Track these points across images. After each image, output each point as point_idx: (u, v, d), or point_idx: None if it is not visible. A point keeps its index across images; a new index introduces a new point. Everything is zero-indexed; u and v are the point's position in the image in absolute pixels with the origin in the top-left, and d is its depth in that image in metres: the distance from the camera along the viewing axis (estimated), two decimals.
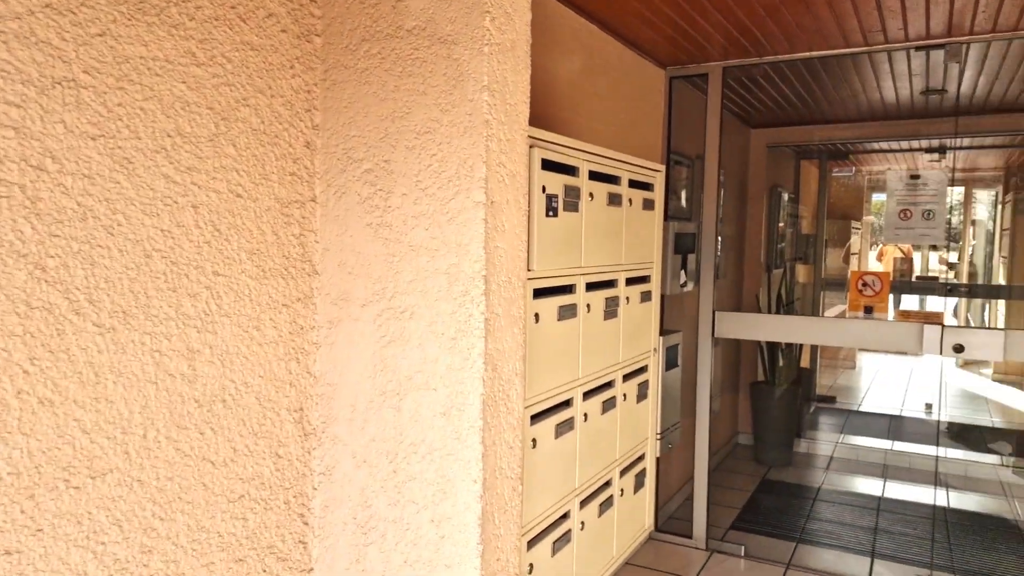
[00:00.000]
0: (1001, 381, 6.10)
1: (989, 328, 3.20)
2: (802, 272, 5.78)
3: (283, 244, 1.72)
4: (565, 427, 2.03)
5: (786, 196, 5.40)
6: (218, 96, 1.56)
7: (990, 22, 2.58)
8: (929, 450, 4.79)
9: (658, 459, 3.50)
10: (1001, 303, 5.90)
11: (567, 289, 2.05)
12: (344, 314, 1.76)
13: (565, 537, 2.07)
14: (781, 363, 4.69)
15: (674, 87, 3.43)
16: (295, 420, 1.80)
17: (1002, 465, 4.44)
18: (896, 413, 5.61)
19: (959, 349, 2.84)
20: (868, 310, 3.37)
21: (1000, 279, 5.92)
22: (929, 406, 5.68)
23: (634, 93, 3.10)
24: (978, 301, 6.35)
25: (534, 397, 1.89)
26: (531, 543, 1.91)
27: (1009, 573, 3.04)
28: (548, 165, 1.89)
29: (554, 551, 2.00)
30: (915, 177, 3.27)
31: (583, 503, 2.17)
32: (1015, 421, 5.29)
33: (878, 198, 4.63)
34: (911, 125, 4.29)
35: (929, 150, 4.59)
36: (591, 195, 2.10)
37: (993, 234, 6.18)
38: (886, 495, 4.01)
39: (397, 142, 1.67)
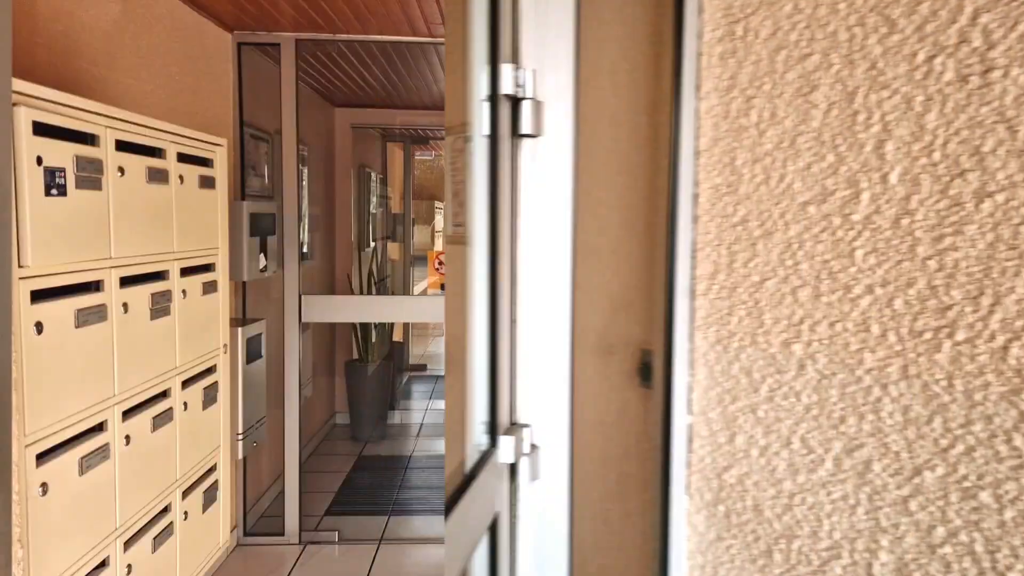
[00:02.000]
0: None
1: None
2: (393, 250, 6.03)
3: None
4: (97, 457, 1.65)
5: (374, 176, 5.52)
6: None
7: None
8: None
9: (245, 460, 3.22)
10: None
11: (91, 287, 1.65)
12: None
13: None
14: (374, 339, 4.79)
15: (245, 55, 3.12)
16: None
17: None
18: None
19: None
20: (443, 287, 3.62)
21: None
22: None
23: (195, 56, 2.71)
24: None
25: (43, 430, 1.47)
26: None
27: None
28: (49, 131, 1.46)
29: None
30: None
31: (128, 543, 1.81)
32: None
33: None
34: None
35: None
36: (121, 170, 1.72)
37: None
38: None
39: None
